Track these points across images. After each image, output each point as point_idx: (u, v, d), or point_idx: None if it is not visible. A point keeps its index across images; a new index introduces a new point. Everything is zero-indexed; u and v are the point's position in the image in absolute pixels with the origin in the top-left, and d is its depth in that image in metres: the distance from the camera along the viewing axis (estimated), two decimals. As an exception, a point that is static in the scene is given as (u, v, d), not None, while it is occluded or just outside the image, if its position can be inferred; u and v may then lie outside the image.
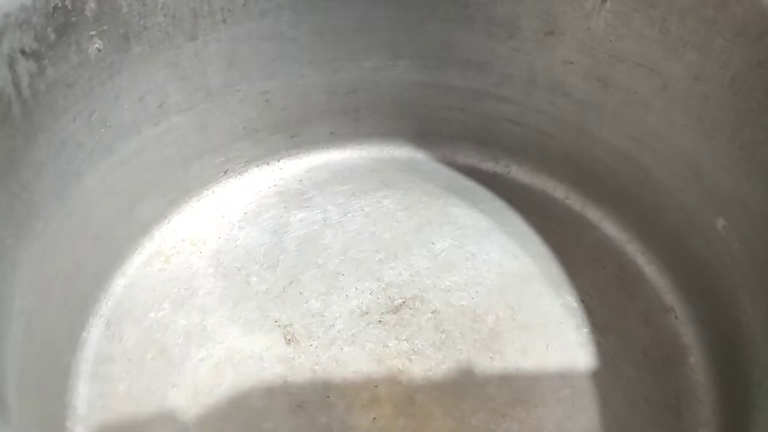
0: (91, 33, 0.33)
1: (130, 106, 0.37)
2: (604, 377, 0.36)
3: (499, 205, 0.44)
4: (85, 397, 0.35)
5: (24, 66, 0.30)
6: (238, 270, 0.40)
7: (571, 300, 0.39)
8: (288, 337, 0.37)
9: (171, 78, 0.38)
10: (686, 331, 0.37)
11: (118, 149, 0.37)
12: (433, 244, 0.41)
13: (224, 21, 0.38)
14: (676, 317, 0.38)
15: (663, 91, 0.36)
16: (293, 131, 0.44)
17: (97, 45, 0.33)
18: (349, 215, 0.43)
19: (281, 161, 0.45)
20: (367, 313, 0.38)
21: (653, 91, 0.36)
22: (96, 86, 0.34)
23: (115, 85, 0.35)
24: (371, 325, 0.37)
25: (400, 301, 0.38)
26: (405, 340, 0.36)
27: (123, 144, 0.37)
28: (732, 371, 0.34)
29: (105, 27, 0.33)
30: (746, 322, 0.33)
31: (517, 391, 0.35)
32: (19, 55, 0.30)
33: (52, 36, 0.31)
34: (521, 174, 0.45)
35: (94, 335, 0.37)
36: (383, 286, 0.39)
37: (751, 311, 0.32)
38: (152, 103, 0.38)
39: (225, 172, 0.44)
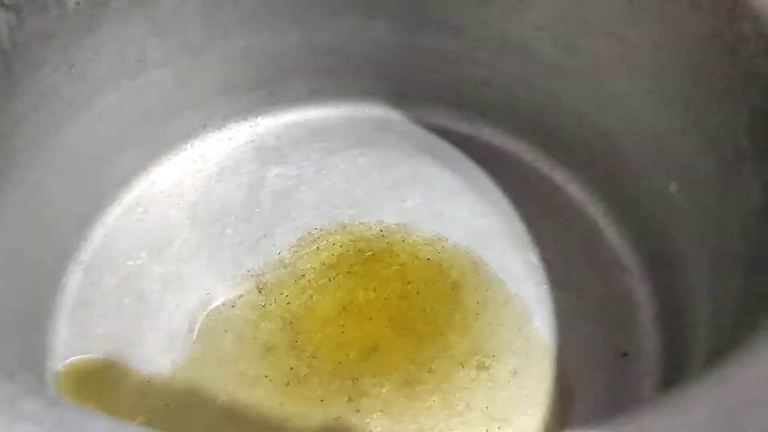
0: (69, -14, 0.34)
1: (110, 59, 0.38)
2: (559, 331, 0.38)
3: (470, 166, 0.45)
4: (64, 339, 0.37)
5: (3, 18, 0.31)
6: (214, 222, 0.41)
7: (532, 257, 0.41)
8: (260, 287, 0.38)
9: (150, 33, 0.39)
10: (640, 290, 0.39)
11: (97, 102, 0.38)
12: (404, 201, 0.43)
13: (202, -24, 0.38)
14: (631, 276, 0.40)
15: (626, 59, 0.37)
16: (272, 88, 0.45)
17: (75, -1, 0.34)
18: (324, 172, 0.44)
19: (259, 117, 0.46)
20: (336, 264, 0.39)
21: (617, 59, 0.37)
22: (75, 39, 0.35)
23: (94, 39, 0.36)
24: (340, 276, 0.39)
25: (369, 254, 0.40)
26: (372, 290, 0.38)
27: (103, 97, 0.38)
28: (677, 328, 0.36)
29: (83, -20, 0.34)
30: (691, 282, 0.35)
31: (476, 340, 0.37)
32: (-1, 7, 0.31)
33: (31, -12, 0.32)
34: (493, 136, 0.46)
35: (73, 281, 0.39)
36: (353, 239, 0.41)
37: (695, 271, 0.34)
38: (132, 58, 0.39)
39: (204, 127, 0.45)
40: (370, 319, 0.37)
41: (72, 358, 0.36)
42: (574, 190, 0.43)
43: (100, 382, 0.35)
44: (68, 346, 0.36)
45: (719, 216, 0.32)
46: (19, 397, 0.18)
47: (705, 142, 0.33)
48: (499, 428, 0.34)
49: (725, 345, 0.26)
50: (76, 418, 0.17)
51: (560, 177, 0.44)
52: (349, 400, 0.35)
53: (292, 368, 0.35)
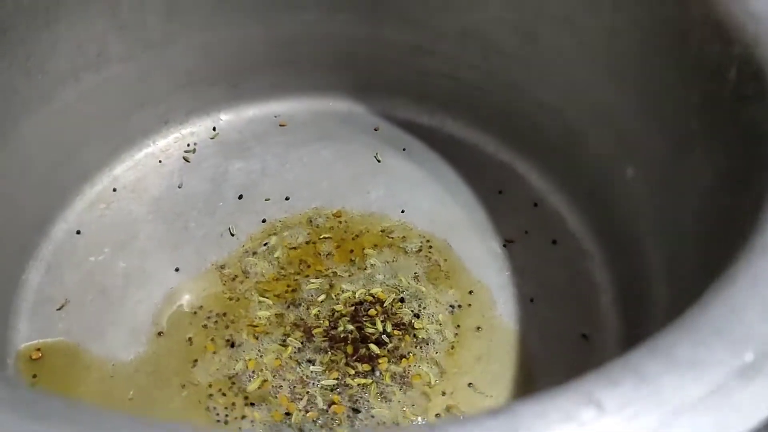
0: (24, -22, 0.33)
1: (68, 53, 0.38)
2: (522, 316, 0.38)
3: (432, 157, 0.46)
4: (25, 335, 0.36)
5: (-44, 10, 0.31)
6: (178, 216, 0.41)
7: (495, 245, 0.41)
8: (224, 279, 0.38)
9: (109, 27, 0.39)
10: (601, 274, 0.40)
11: (56, 96, 0.38)
12: (368, 193, 0.43)
13: (162, -30, 0.38)
14: (592, 261, 0.40)
15: (583, 46, 0.38)
16: (233, 82, 0.46)
17: (30, -9, 0.34)
18: (287, 165, 0.44)
19: (221, 112, 0.46)
20: (303, 255, 0.39)
21: (575, 46, 0.38)
22: (32, 33, 0.35)
23: (52, 33, 0.36)
24: (305, 266, 0.39)
25: (335, 245, 0.40)
26: (340, 277, 0.38)
27: (61, 91, 0.38)
28: (637, 308, 0.37)
29: (38, -28, 0.34)
30: (648, 264, 0.36)
31: (442, 327, 0.37)
32: (-49, -2, 0.30)
33: (-16, -20, 0.31)
34: (455, 128, 0.47)
35: (34, 277, 0.38)
36: (318, 230, 0.41)
37: (652, 253, 0.35)
38: (91, 52, 0.39)
39: (166, 123, 0.45)
40: (339, 310, 0.37)
41: (32, 342, 0.35)
42: (535, 178, 0.44)
43: (62, 377, 0.35)
44: (29, 343, 0.36)
45: (674, 197, 0.33)
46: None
47: (659, 126, 0.34)
48: (463, 413, 0.35)
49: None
50: (28, 396, 0.17)
51: (522, 167, 0.45)
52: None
53: (257, 359, 0.35)
